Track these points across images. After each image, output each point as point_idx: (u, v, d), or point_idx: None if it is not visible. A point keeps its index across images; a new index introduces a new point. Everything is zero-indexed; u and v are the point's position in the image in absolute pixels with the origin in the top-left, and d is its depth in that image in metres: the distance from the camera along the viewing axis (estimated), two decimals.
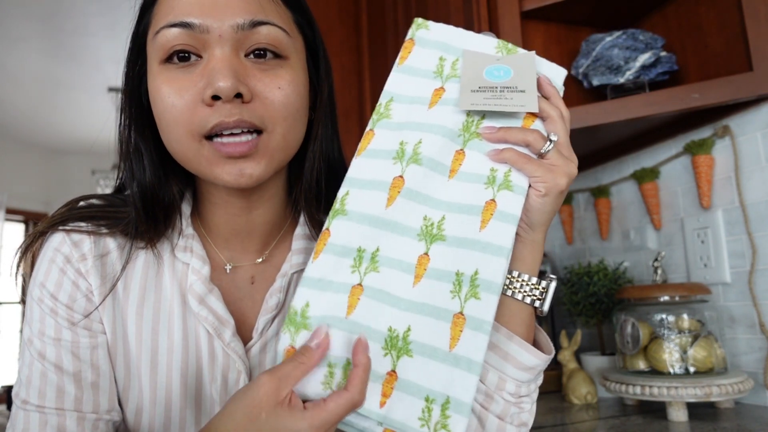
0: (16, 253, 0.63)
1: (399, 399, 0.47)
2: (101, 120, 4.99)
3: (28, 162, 5.71)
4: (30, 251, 0.63)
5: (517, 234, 0.55)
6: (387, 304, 0.50)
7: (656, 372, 1.01)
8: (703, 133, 1.14)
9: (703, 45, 1.14)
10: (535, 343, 0.61)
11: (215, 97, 0.55)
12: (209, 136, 0.56)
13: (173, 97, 0.56)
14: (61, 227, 0.62)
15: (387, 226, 0.52)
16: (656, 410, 1.03)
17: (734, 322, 1.07)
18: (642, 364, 1.04)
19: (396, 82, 0.59)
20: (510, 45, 0.61)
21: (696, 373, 0.98)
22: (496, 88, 0.56)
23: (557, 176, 0.54)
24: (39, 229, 0.63)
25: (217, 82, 0.54)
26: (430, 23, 0.62)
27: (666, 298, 1.04)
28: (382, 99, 0.59)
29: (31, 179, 5.71)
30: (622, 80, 1.12)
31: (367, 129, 0.58)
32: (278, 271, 0.68)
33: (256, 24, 0.57)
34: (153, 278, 0.64)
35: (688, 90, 1.03)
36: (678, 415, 0.95)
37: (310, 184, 0.66)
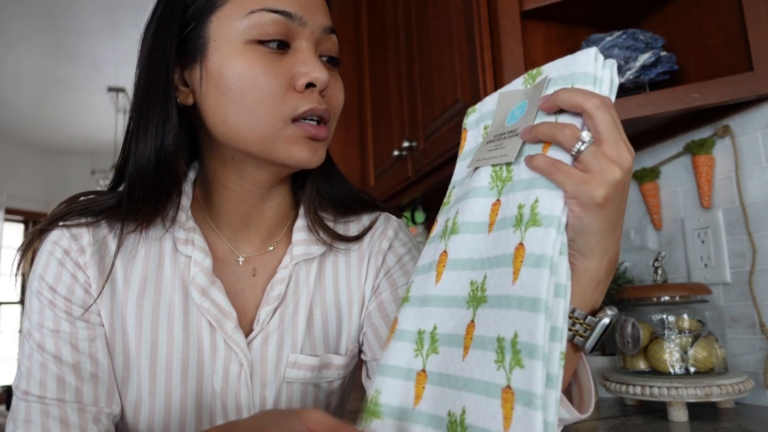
0: (17, 252, 0.64)
1: None
2: (101, 120, 4.99)
3: (28, 162, 5.71)
4: (30, 249, 0.64)
5: (570, 262, 0.45)
6: (447, 386, 0.47)
7: (656, 372, 1.01)
8: (703, 133, 1.14)
9: (703, 45, 1.14)
10: (579, 389, 0.52)
11: (309, 86, 0.60)
12: (293, 119, 0.61)
13: (269, 77, 0.59)
14: (61, 223, 0.63)
15: (439, 302, 0.51)
16: (656, 410, 1.03)
17: (734, 322, 1.07)
18: (642, 364, 1.04)
19: (457, 172, 0.60)
20: (535, 70, 0.52)
21: (696, 373, 0.98)
22: (503, 134, 0.52)
23: (591, 187, 0.43)
24: (39, 227, 0.64)
25: (316, 72, 0.60)
26: (478, 105, 0.60)
27: (666, 298, 1.04)
28: (449, 190, 0.60)
29: (31, 179, 5.71)
30: (622, 80, 1.12)
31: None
32: (279, 262, 0.69)
33: (332, 30, 0.65)
34: (154, 271, 0.65)
35: (688, 90, 1.03)
36: (678, 415, 0.95)
37: (315, 177, 0.72)
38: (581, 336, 0.47)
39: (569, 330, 0.46)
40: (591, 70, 0.47)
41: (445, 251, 0.53)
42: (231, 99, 0.59)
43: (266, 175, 0.66)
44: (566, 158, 0.45)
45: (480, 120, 0.59)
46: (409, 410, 0.49)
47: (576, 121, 0.46)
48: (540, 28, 1.26)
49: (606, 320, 0.46)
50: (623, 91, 1.12)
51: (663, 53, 1.14)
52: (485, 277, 0.47)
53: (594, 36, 1.18)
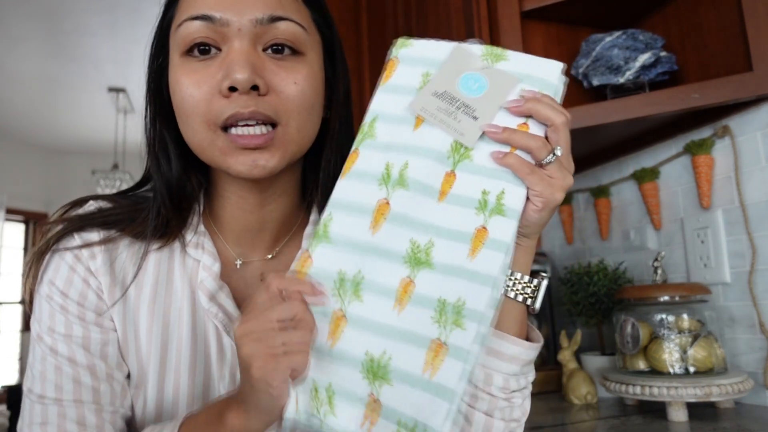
0: (26, 263, 0.64)
1: (383, 426, 0.46)
2: (101, 120, 4.99)
3: (28, 162, 5.70)
4: (42, 258, 0.62)
5: (517, 243, 0.54)
6: (371, 332, 0.49)
7: (656, 372, 1.01)
8: (703, 133, 1.14)
9: (703, 45, 1.14)
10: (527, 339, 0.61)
11: (232, 89, 0.56)
12: (225, 127, 0.58)
13: (192, 87, 0.58)
14: (75, 234, 0.62)
15: (371, 251, 0.51)
16: (656, 410, 1.03)
17: (734, 322, 1.07)
18: (642, 364, 1.04)
19: (380, 101, 0.57)
20: (499, 50, 0.55)
21: (696, 373, 0.98)
22: (457, 101, 0.53)
23: (555, 190, 0.52)
24: (53, 236, 0.62)
25: (234, 74, 0.55)
26: (414, 41, 0.59)
27: (666, 298, 1.04)
28: (367, 118, 0.57)
29: (31, 179, 5.70)
30: (622, 80, 1.12)
31: (352, 149, 0.56)
32: (288, 268, 0.68)
33: (274, 19, 0.59)
34: (164, 275, 0.65)
35: (688, 90, 1.03)
36: (678, 415, 0.95)
37: (325, 180, 0.67)
38: (530, 296, 0.57)
39: (520, 293, 0.56)
40: (555, 82, 0.55)
41: (387, 201, 0.52)
42: (177, 112, 0.61)
43: (243, 183, 0.64)
44: (530, 160, 0.53)
45: (419, 61, 0.57)
46: (326, 349, 0.49)
47: (540, 129, 0.53)
48: (540, 28, 1.26)
49: (546, 281, 0.57)
50: (623, 91, 1.12)
51: (663, 53, 1.14)
52: (431, 242, 0.51)
53: (594, 36, 1.18)
